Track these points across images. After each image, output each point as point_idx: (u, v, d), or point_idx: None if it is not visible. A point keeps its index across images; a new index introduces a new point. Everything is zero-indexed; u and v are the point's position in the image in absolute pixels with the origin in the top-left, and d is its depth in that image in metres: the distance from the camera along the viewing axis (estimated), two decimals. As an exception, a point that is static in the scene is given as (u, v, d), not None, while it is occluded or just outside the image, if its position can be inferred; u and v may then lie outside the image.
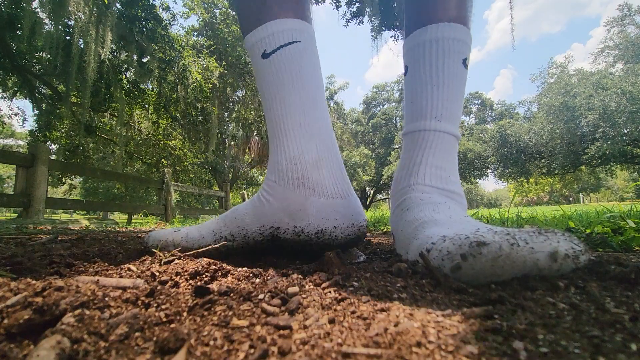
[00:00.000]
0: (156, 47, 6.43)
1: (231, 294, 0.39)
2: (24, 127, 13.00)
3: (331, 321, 0.30)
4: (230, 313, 0.33)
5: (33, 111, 7.69)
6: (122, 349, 0.26)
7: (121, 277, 0.50)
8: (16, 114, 10.40)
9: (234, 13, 10.37)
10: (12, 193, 3.62)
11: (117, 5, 5.72)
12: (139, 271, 0.53)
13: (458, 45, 0.75)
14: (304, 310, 0.34)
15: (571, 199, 38.86)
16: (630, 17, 17.97)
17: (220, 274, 0.52)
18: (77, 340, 0.26)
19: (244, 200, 8.71)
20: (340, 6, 6.64)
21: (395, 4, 6.10)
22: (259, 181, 18.78)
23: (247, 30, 0.75)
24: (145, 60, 6.56)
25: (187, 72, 7.24)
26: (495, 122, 25.40)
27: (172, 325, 0.31)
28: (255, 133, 14.26)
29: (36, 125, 8.00)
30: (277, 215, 0.70)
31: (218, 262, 0.56)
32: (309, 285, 0.43)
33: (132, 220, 10.21)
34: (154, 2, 6.32)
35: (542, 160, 19.49)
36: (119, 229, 3.05)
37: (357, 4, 6.62)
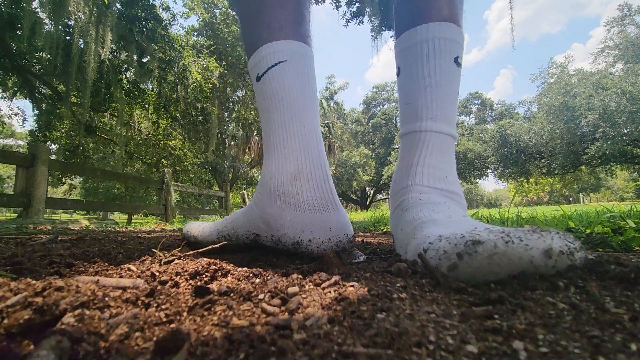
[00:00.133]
0: (156, 47, 6.43)
1: (231, 294, 0.39)
2: (24, 127, 13.00)
3: (331, 321, 0.30)
4: (230, 313, 0.33)
5: (33, 111, 7.69)
6: (122, 349, 0.26)
7: (121, 277, 0.50)
8: (16, 114, 10.39)
9: (234, 13, 10.37)
10: (12, 193, 3.62)
11: (117, 5, 5.72)
12: (139, 271, 0.53)
13: (449, 45, 0.75)
14: (304, 310, 0.34)
15: (571, 199, 38.83)
16: (630, 17, 17.97)
17: (220, 274, 0.52)
18: (77, 340, 0.26)
19: (243, 200, 8.71)
20: (340, 6, 6.63)
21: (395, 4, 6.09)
22: (258, 181, 18.74)
23: (248, 56, 0.80)
24: (145, 60, 6.57)
25: (187, 72, 7.25)
26: (495, 122, 25.42)
27: (172, 325, 0.31)
28: (255, 133, 14.28)
29: (36, 125, 8.00)
30: (258, 223, 0.76)
31: (218, 262, 0.56)
32: (309, 285, 0.43)
33: (132, 220, 10.20)
34: (154, 2, 6.32)
35: (542, 160, 19.49)
36: (119, 229, 3.05)
37: (357, 4, 6.61)
